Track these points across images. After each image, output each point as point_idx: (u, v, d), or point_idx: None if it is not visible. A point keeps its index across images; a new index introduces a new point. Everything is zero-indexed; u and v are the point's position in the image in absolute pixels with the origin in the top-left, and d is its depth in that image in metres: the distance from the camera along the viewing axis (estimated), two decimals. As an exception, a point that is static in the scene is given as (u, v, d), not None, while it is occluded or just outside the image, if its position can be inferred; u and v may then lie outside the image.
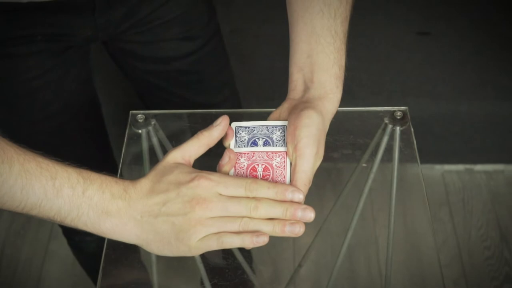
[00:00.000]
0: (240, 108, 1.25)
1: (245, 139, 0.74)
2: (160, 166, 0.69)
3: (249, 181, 0.67)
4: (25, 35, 0.97)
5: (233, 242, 0.66)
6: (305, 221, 0.67)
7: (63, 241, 1.41)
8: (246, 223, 0.65)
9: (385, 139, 0.91)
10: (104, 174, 0.68)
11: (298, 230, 0.66)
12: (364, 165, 0.93)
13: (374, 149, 0.92)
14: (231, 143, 0.74)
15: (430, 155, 1.89)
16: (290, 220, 0.66)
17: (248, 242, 0.66)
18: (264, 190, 0.66)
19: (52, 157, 0.67)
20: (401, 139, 0.91)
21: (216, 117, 0.73)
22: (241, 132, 0.75)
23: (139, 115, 0.93)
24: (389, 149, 0.91)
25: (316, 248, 1.00)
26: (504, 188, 1.88)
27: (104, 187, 0.66)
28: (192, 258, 0.93)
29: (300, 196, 0.67)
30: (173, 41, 1.08)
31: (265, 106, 0.93)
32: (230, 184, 0.66)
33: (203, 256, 0.93)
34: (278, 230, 0.66)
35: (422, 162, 0.91)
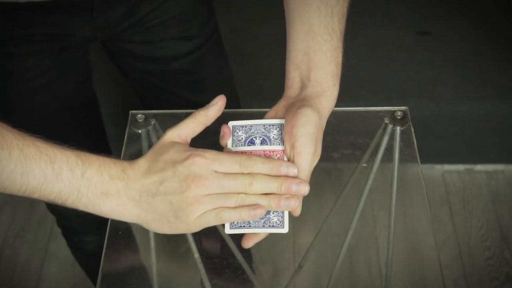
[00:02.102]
0: (240, 108, 1.25)
1: (242, 138, 0.74)
2: (157, 146, 0.69)
3: (244, 157, 0.67)
4: (23, 35, 0.97)
5: (231, 216, 0.66)
6: (300, 194, 0.68)
7: (63, 242, 1.41)
8: (242, 199, 0.66)
9: (385, 139, 0.91)
10: (102, 155, 0.68)
11: (293, 204, 0.67)
12: (364, 165, 0.93)
13: (374, 149, 0.92)
14: (228, 142, 0.74)
15: (430, 155, 1.89)
16: (285, 194, 0.67)
17: (246, 215, 0.66)
18: (259, 166, 0.67)
19: (51, 141, 0.67)
20: (402, 139, 0.90)
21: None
22: (238, 131, 0.75)
23: (139, 115, 0.93)
24: (389, 149, 0.91)
25: (316, 248, 0.99)
26: (505, 188, 1.88)
27: (102, 169, 0.67)
28: (192, 258, 0.93)
29: (294, 171, 0.67)
30: (172, 40, 1.08)
31: (265, 106, 0.93)
32: (225, 161, 0.67)
33: (203, 256, 0.93)
34: (274, 204, 0.67)
35: (422, 162, 0.91)
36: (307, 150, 0.69)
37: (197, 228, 0.67)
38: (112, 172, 0.67)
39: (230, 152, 0.73)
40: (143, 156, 0.69)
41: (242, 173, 0.67)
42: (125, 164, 0.68)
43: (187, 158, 0.66)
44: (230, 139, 0.75)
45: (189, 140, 0.71)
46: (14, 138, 0.65)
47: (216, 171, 0.66)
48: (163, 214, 0.67)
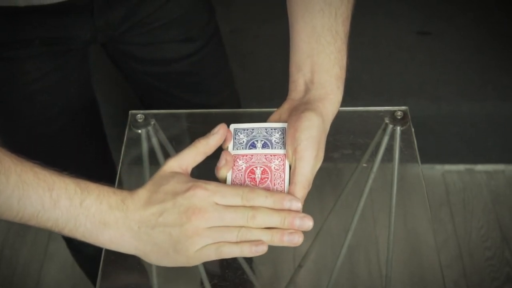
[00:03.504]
0: (240, 108, 1.25)
1: (243, 141, 0.74)
2: (157, 176, 0.68)
3: (246, 190, 0.66)
4: (23, 38, 0.96)
5: (231, 252, 0.65)
6: (303, 229, 0.66)
7: (62, 242, 1.41)
8: (244, 233, 0.65)
9: (386, 139, 0.91)
10: (102, 184, 0.67)
11: (297, 240, 0.65)
12: (364, 165, 0.93)
13: (374, 149, 0.92)
14: (229, 145, 0.74)
15: (430, 155, 1.89)
16: (288, 229, 0.65)
17: (247, 252, 0.65)
18: (262, 199, 0.66)
19: (50, 167, 0.66)
20: (402, 139, 0.90)
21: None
22: (239, 134, 0.75)
23: (139, 115, 0.93)
24: (389, 149, 0.90)
25: (316, 248, 0.99)
26: (505, 188, 1.88)
27: (101, 198, 0.66)
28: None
29: (298, 205, 0.66)
30: (172, 42, 1.08)
31: (265, 106, 0.93)
32: (226, 194, 0.65)
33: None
34: (277, 240, 0.65)
35: (422, 162, 0.91)
36: (309, 154, 0.69)
37: (196, 262, 0.66)
38: (111, 202, 0.66)
39: (229, 153, 0.72)
40: (143, 186, 0.68)
41: (244, 206, 0.65)
42: (124, 193, 0.67)
43: (188, 190, 0.65)
44: (231, 142, 0.74)
45: (189, 169, 0.70)
46: (12, 163, 0.63)
47: (217, 203, 0.65)
48: (162, 246, 0.65)
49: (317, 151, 0.69)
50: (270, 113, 0.78)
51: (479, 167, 1.93)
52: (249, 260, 0.97)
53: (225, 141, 0.74)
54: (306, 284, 1.01)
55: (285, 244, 0.66)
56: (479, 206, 1.84)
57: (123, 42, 1.06)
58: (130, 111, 0.95)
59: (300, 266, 1.00)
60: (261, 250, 0.65)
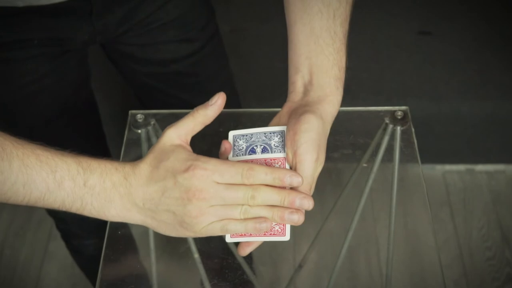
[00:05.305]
0: (240, 108, 1.25)
1: (243, 148, 0.74)
2: (157, 149, 0.68)
3: (246, 167, 0.65)
4: (22, 39, 0.96)
5: (236, 229, 0.66)
6: (303, 209, 0.66)
7: (62, 242, 1.41)
8: (246, 211, 0.65)
9: (386, 139, 0.90)
10: (104, 160, 0.68)
11: (297, 219, 0.66)
12: (364, 165, 0.93)
13: (374, 149, 0.91)
14: (230, 154, 0.74)
15: (431, 155, 1.89)
16: (289, 208, 0.66)
17: (251, 229, 0.66)
18: (262, 177, 0.65)
19: (51, 147, 0.67)
20: (402, 139, 0.90)
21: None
22: (239, 140, 0.75)
23: (139, 115, 0.93)
24: (389, 149, 0.90)
25: (316, 248, 0.99)
26: (505, 188, 1.88)
27: (104, 176, 0.66)
28: (192, 258, 0.93)
29: (298, 180, 0.66)
30: (171, 43, 1.07)
31: (265, 106, 0.93)
32: (225, 172, 0.65)
33: (203, 256, 0.93)
34: (277, 217, 0.66)
35: (423, 162, 0.91)
36: (310, 157, 0.68)
37: (203, 235, 0.67)
38: (114, 179, 0.66)
39: (227, 142, 0.72)
40: (144, 158, 0.68)
41: (244, 184, 0.65)
42: (127, 169, 0.67)
43: (187, 170, 0.65)
44: (232, 149, 0.74)
45: (189, 139, 0.70)
46: (13, 147, 0.64)
47: (218, 182, 0.65)
48: (168, 222, 0.66)
49: (318, 154, 0.69)
50: (270, 113, 0.77)
51: (480, 167, 1.93)
52: (249, 260, 0.97)
53: (224, 154, 0.74)
54: (306, 284, 1.01)
55: (286, 222, 0.66)
56: (479, 206, 1.84)
57: (122, 43, 1.05)
58: (130, 111, 0.95)
59: (300, 266, 1.00)
60: (265, 227, 0.66)
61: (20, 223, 1.82)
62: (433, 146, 1.86)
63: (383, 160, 0.91)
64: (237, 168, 0.65)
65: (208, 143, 0.80)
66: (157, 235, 0.91)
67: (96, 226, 1.24)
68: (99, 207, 0.67)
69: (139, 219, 0.68)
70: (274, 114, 0.77)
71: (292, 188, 0.67)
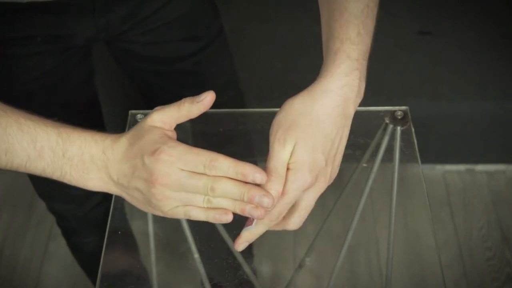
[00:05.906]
0: (245, 107, 1.24)
1: None
2: (139, 126, 0.69)
3: (209, 158, 0.64)
4: (25, 36, 0.96)
5: (198, 216, 0.67)
6: (262, 206, 0.65)
7: (62, 241, 1.41)
8: (209, 200, 0.66)
9: (386, 139, 0.90)
10: (85, 132, 0.69)
11: (258, 215, 0.65)
12: (364, 165, 0.93)
13: (374, 149, 0.91)
14: None
15: (431, 155, 1.89)
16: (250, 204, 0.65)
17: (212, 218, 0.66)
18: (224, 169, 0.64)
19: (36, 115, 0.68)
20: (402, 139, 0.90)
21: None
22: None
23: (139, 115, 0.93)
24: (389, 149, 0.90)
25: (316, 248, 0.99)
26: (506, 188, 1.88)
27: (83, 149, 0.68)
28: (192, 258, 0.93)
29: (262, 177, 0.64)
30: (175, 41, 1.07)
31: (265, 106, 0.93)
32: (189, 161, 0.65)
33: (203, 256, 0.93)
34: (239, 210, 0.66)
35: (423, 162, 0.91)
36: (276, 146, 0.68)
37: (171, 217, 0.68)
38: (93, 152, 0.68)
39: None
40: (126, 133, 0.69)
41: (207, 175, 0.65)
42: (106, 142, 0.68)
43: (154, 153, 0.65)
44: None
45: (173, 125, 0.70)
46: None
47: (181, 169, 0.65)
48: (139, 199, 0.68)
49: (285, 137, 0.68)
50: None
51: (480, 167, 1.93)
52: (249, 260, 0.97)
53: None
54: (306, 284, 1.01)
55: (247, 215, 0.66)
56: (479, 206, 1.84)
57: (126, 40, 1.05)
58: (130, 111, 0.95)
59: (300, 266, 1.00)
60: (225, 219, 0.66)
61: (20, 223, 1.82)
62: (433, 146, 1.86)
63: (383, 160, 0.90)
64: (201, 158, 0.65)
65: (208, 143, 0.80)
66: (157, 235, 0.91)
67: (97, 223, 1.24)
68: (77, 178, 0.68)
69: (115, 191, 0.69)
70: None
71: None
